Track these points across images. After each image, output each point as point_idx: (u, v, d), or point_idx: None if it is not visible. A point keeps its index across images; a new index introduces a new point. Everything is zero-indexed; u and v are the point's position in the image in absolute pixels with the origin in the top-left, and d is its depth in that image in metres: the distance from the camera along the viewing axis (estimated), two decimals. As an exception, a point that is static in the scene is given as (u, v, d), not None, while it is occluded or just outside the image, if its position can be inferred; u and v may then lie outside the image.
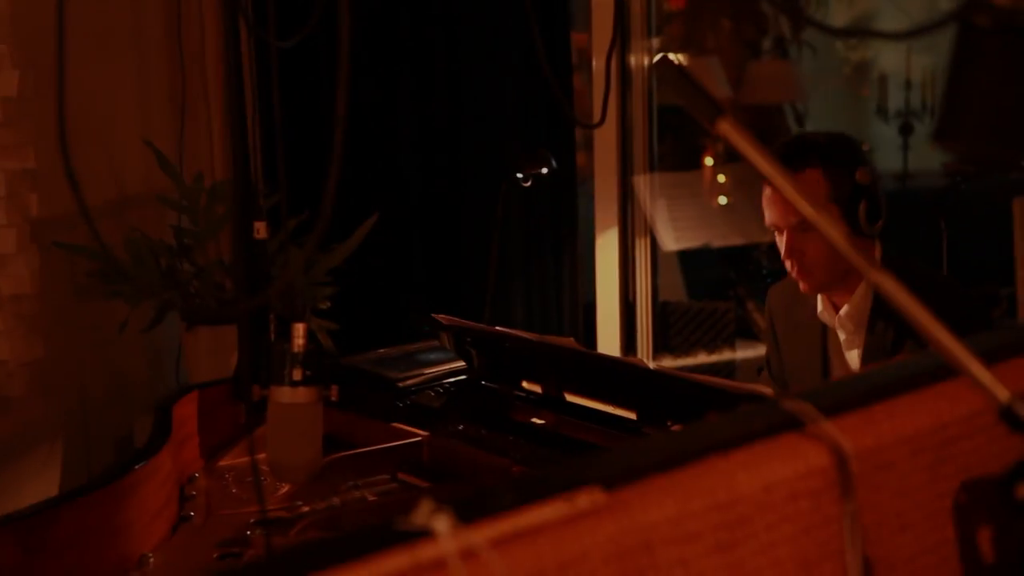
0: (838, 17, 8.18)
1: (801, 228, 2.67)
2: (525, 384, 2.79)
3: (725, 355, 4.66)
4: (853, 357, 2.78)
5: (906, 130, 7.71)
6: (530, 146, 3.68)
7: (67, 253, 3.13)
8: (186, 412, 2.79)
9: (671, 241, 4.37)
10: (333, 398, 2.01)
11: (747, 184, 5.15)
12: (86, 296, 3.27)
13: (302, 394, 1.99)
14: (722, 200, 5.05)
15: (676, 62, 1.26)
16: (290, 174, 3.59)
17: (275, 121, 2.80)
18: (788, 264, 2.74)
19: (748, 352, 4.68)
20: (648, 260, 4.25)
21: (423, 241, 4.06)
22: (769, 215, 2.73)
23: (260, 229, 2.50)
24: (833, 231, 1.33)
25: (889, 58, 8.29)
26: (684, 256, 4.95)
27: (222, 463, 2.80)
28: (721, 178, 5.48)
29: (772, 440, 1.24)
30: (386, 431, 2.77)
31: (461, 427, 2.74)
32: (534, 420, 2.75)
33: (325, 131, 3.92)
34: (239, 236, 2.70)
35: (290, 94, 3.81)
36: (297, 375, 1.97)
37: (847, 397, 1.32)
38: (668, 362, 4.48)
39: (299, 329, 1.97)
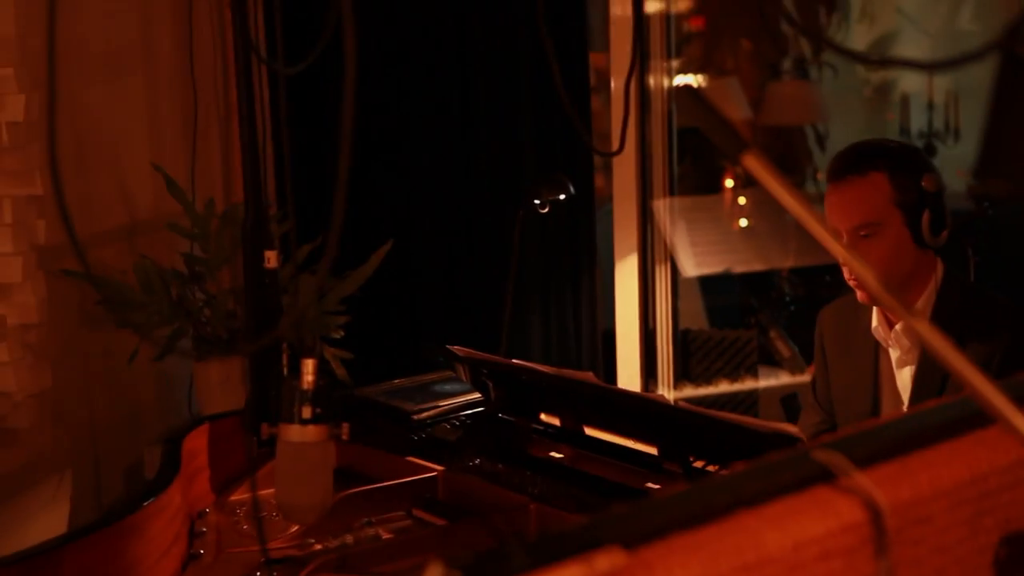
0: (859, 39, 8.10)
1: (861, 233, 2.60)
2: (543, 417, 2.72)
3: (747, 384, 4.58)
4: (905, 376, 2.70)
5: (929, 152, 7.61)
6: (547, 170, 3.63)
7: (76, 281, 3.08)
8: (197, 445, 2.72)
9: (691, 267, 4.30)
10: (344, 437, 1.95)
11: (768, 207, 5.09)
12: (95, 325, 3.22)
13: (312, 433, 1.92)
14: (743, 223, 4.98)
15: (699, 91, 1.19)
16: (303, 200, 3.57)
17: (285, 147, 2.76)
18: (846, 272, 2.66)
19: (771, 381, 4.60)
20: (668, 287, 4.18)
21: (438, 268, 4.00)
22: (829, 219, 2.66)
23: (271, 258, 2.44)
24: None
25: (911, 79, 8.20)
26: (704, 283, 4.87)
27: (233, 498, 2.73)
28: (742, 201, 5.42)
29: (802, 494, 1.17)
30: (400, 465, 2.71)
31: (477, 461, 2.67)
32: (552, 454, 2.69)
33: (337, 156, 3.87)
34: (250, 265, 2.65)
35: (302, 120, 3.76)
36: (307, 413, 1.90)
37: (881, 446, 1.25)
38: (689, 391, 4.40)
39: (309, 365, 1.91)
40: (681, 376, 4.41)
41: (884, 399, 2.74)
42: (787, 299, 4.71)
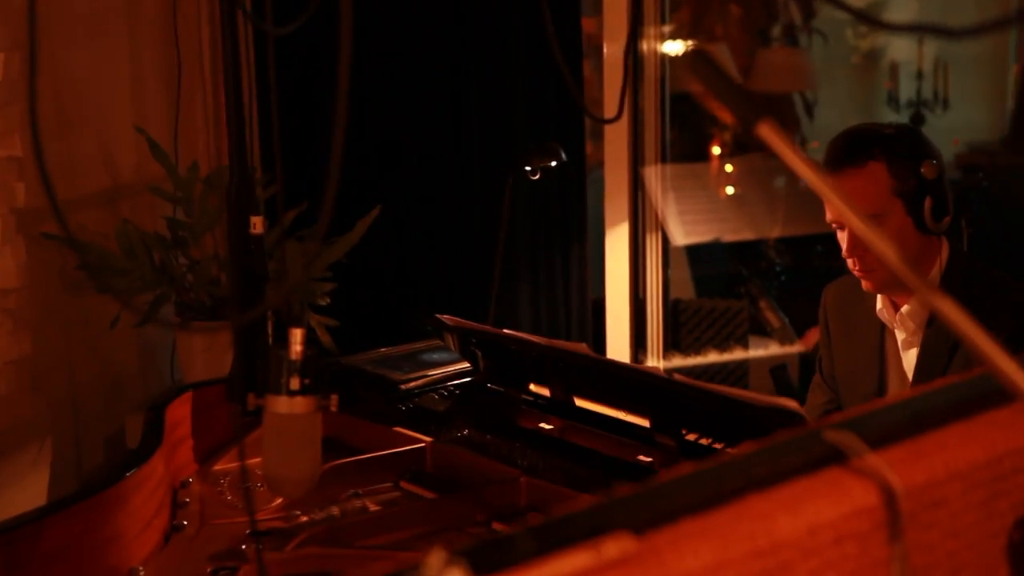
0: (852, 3, 7.97)
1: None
2: (532, 388, 2.68)
3: (737, 355, 4.54)
4: (910, 357, 2.66)
5: (917, 120, 7.57)
6: (538, 137, 3.57)
7: (56, 245, 3.01)
8: (180, 414, 2.67)
9: (680, 235, 4.25)
10: (332, 408, 1.89)
11: (756, 175, 5.04)
12: (75, 290, 3.16)
13: (300, 404, 1.86)
14: (730, 190, 4.93)
15: (711, 56, 1.14)
16: (289, 163, 3.50)
17: (272, 109, 2.68)
18: (850, 262, 2.61)
19: (760, 351, 4.56)
20: (659, 256, 4.13)
21: (426, 235, 3.94)
22: (830, 210, 2.60)
23: (257, 224, 2.38)
24: (886, 243, 1.21)
25: (900, 47, 8.15)
26: (690, 252, 4.81)
27: (217, 467, 2.68)
28: (729, 168, 5.37)
29: (814, 476, 1.13)
30: (388, 435, 2.66)
31: (465, 432, 2.63)
32: (541, 426, 2.64)
33: (324, 120, 3.81)
34: (234, 230, 2.59)
35: (288, 82, 3.69)
36: (295, 384, 1.85)
37: (894, 426, 1.21)
38: (678, 361, 4.35)
39: (297, 335, 1.85)
40: (671, 346, 4.37)
41: (890, 380, 2.70)
42: (777, 269, 4.66)
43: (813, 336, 4.51)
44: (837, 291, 2.87)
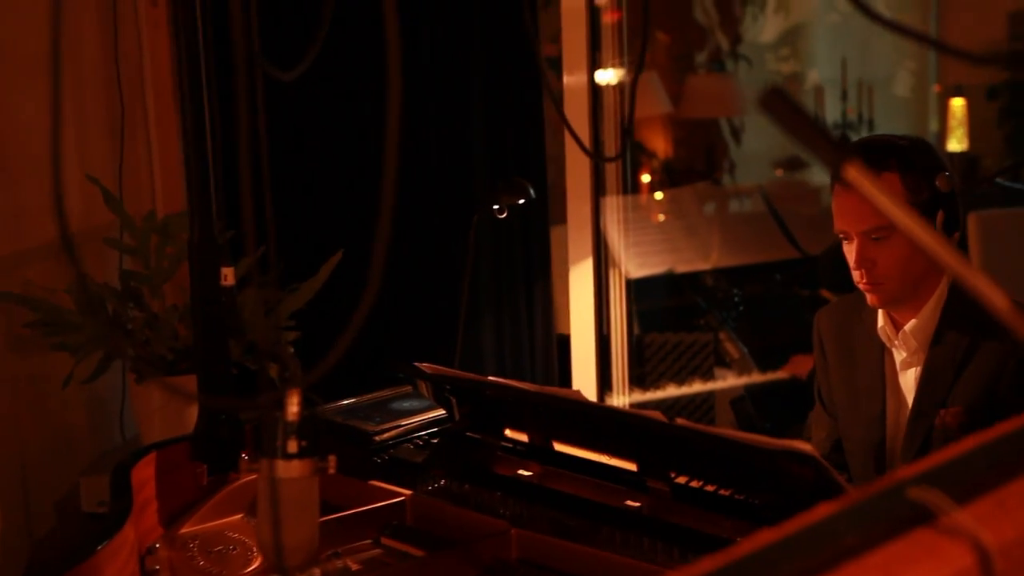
0: (770, 31, 8.07)
1: (873, 236, 2.49)
2: (508, 433, 2.59)
3: (695, 387, 4.47)
4: (909, 378, 2.61)
5: (843, 142, 7.61)
6: (498, 176, 3.50)
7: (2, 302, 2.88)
8: (144, 475, 2.54)
9: (633, 268, 4.19)
10: (331, 471, 1.79)
11: (687, 205, 5.00)
12: (22, 348, 3.02)
13: (297, 468, 1.76)
14: (661, 218, 4.88)
15: (787, 95, 1.07)
16: (232, 205, 3.39)
17: (214, 149, 2.59)
18: (857, 274, 2.55)
19: (719, 384, 4.50)
20: (622, 291, 4.06)
21: (389, 278, 3.82)
22: (838, 221, 2.54)
23: (228, 275, 2.28)
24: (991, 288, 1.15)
25: (823, 69, 8.21)
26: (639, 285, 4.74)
27: (184, 531, 2.55)
28: (658, 196, 5.34)
29: (903, 539, 1.06)
30: (364, 490, 2.55)
31: (442, 483, 2.54)
32: (520, 472, 2.56)
33: (275, 163, 3.70)
34: (198, 282, 2.48)
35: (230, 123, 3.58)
36: (293, 447, 1.74)
37: (975, 476, 1.15)
38: (638, 396, 4.28)
39: (294, 395, 1.75)
40: (636, 381, 4.30)
41: (888, 402, 2.65)
42: (736, 299, 4.62)
43: (800, 362, 4.47)
44: (831, 316, 2.81)
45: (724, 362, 4.48)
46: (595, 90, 3.64)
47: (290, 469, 1.78)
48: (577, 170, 3.76)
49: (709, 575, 1.01)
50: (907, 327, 2.58)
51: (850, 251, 2.55)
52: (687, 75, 7.39)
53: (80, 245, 3.25)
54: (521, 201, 2.94)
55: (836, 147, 1.03)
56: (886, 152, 2.51)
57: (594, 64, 3.72)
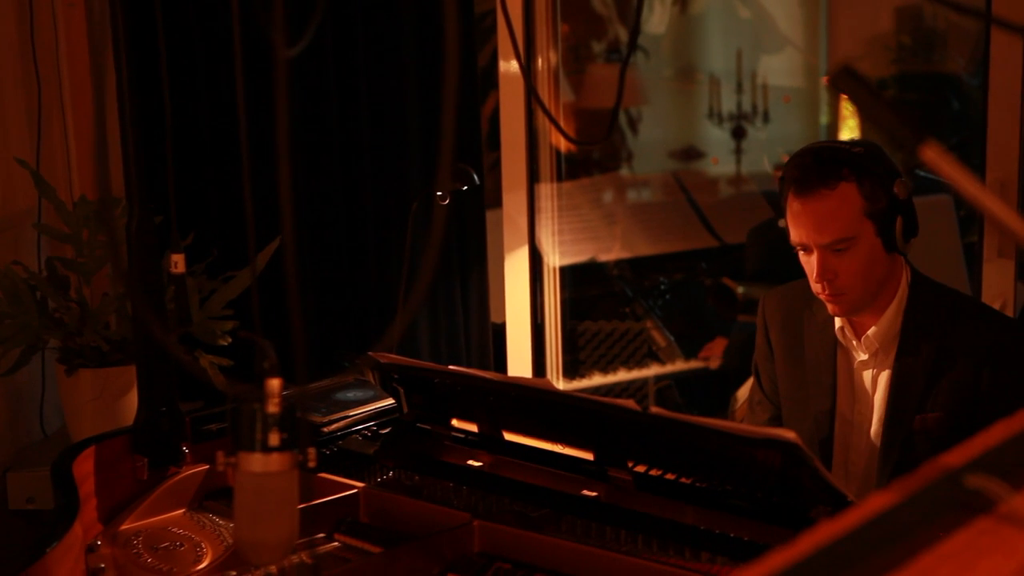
0: (666, 22, 8.09)
1: (835, 248, 2.46)
2: (456, 423, 2.54)
3: (620, 376, 4.46)
4: (866, 378, 2.59)
5: (739, 133, 7.67)
6: (432, 162, 3.44)
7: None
8: (84, 470, 2.44)
9: (555, 256, 4.15)
10: (311, 464, 1.73)
11: (588, 195, 4.99)
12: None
13: (277, 462, 1.70)
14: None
15: (858, 74, 1.04)
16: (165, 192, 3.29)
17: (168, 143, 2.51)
18: (818, 287, 2.52)
19: (645, 372, 4.49)
20: (557, 279, 4.03)
21: (324, 266, 3.75)
22: (796, 233, 2.50)
23: (178, 262, 2.20)
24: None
25: (717, 61, 8.25)
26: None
27: (125, 527, 2.46)
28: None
29: (966, 528, 1.05)
30: (312, 483, 2.48)
31: (392, 475, 2.49)
32: (470, 462, 2.51)
33: (203, 145, 3.61)
34: (137, 269, 2.39)
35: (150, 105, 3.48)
36: (275, 440, 1.68)
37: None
38: (563, 385, 4.25)
39: (275, 386, 1.69)
40: (571, 370, 4.27)
41: (840, 399, 2.63)
42: (663, 288, 4.61)
43: (712, 348, 4.48)
44: (780, 300, 2.76)
45: (651, 351, 4.47)
46: (530, 76, 3.60)
47: (269, 463, 1.72)
48: (512, 157, 3.71)
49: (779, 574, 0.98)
50: (869, 332, 2.56)
51: (809, 263, 2.51)
52: (586, 65, 7.37)
53: (1, 231, 3.13)
54: (465, 188, 2.89)
55: (912, 126, 1.00)
56: (841, 161, 2.47)
57: (529, 51, 3.68)
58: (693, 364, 4.50)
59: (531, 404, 2.36)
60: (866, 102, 1.05)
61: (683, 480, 2.20)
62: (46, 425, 3.30)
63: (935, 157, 1.02)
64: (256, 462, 1.71)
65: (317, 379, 2.75)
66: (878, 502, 1.09)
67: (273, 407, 1.70)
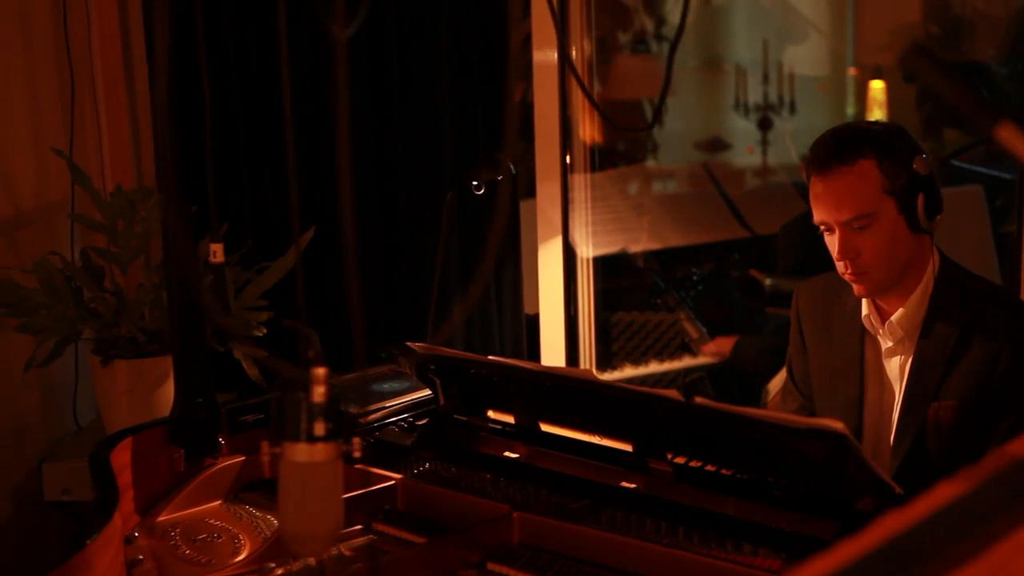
0: (692, 12, 8.01)
1: (855, 225, 2.45)
2: (492, 415, 2.53)
3: (652, 368, 4.43)
4: (893, 366, 2.58)
5: (765, 125, 7.63)
6: (467, 153, 3.42)
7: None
8: (121, 461, 2.43)
9: (587, 247, 4.13)
10: (356, 454, 1.71)
11: (617, 187, 4.95)
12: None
13: (321, 451, 1.69)
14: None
15: (932, 54, 1.02)
16: (200, 183, 3.28)
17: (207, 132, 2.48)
18: (842, 266, 2.51)
19: (677, 364, 4.46)
20: (590, 270, 4.00)
21: (358, 257, 3.72)
22: (818, 212, 2.49)
23: (217, 252, 2.19)
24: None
25: (743, 52, 8.21)
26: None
27: (161, 519, 2.45)
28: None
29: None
30: (351, 474, 2.47)
31: (429, 466, 2.47)
32: (506, 454, 2.50)
33: (237, 137, 3.60)
34: (173, 259, 2.38)
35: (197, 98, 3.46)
36: (320, 429, 1.67)
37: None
38: (608, 376, 4.23)
39: (320, 375, 1.68)
40: (604, 362, 4.25)
41: (869, 388, 2.62)
42: (694, 278, 4.58)
43: (722, 343, 4.45)
44: (812, 292, 2.76)
45: (683, 342, 4.44)
46: (566, 66, 3.56)
47: (314, 453, 1.70)
48: (546, 148, 3.68)
49: (855, 564, 0.96)
50: (893, 318, 2.55)
51: (832, 243, 2.51)
52: (612, 56, 7.35)
53: (34, 222, 3.13)
54: (500, 177, 2.87)
55: (987, 106, 0.98)
56: (859, 138, 2.47)
57: (565, 40, 3.65)
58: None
59: (571, 394, 2.35)
60: (938, 81, 1.03)
61: (724, 471, 2.18)
62: (80, 417, 3.30)
63: (1010, 136, 1.00)
64: (301, 452, 1.69)
65: (354, 369, 2.74)
66: (947, 491, 1.07)
67: (319, 396, 1.69)
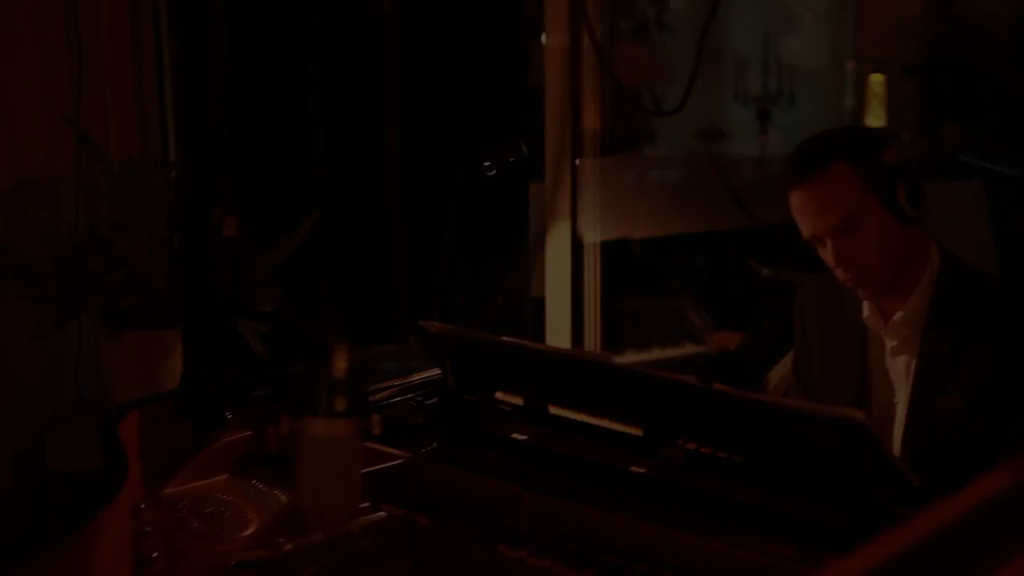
0: (693, 1, 8.04)
1: (843, 229, 2.45)
2: (500, 395, 2.52)
3: (654, 354, 4.43)
4: (898, 365, 2.58)
5: (764, 115, 7.63)
6: (478, 134, 3.40)
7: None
8: (128, 433, 2.42)
9: (591, 233, 4.12)
10: (375, 431, 1.71)
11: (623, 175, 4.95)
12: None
13: (340, 427, 1.68)
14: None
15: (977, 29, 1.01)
16: (208, 156, 3.26)
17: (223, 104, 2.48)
18: (840, 274, 2.51)
19: (684, 350, 4.46)
20: (597, 254, 3.99)
21: (363, 237, 3.72)
22: (805, 226, 2.50)
23: (232, 225, 2.17)
24: None
25: (744, 42, 8.20)
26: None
27: (168, 491, 2.44)
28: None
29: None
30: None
31: (437, 445, 2.46)
32: (515, 435, 2.49)
33: (248, 110, 3.58)
34: (187, 230, 2.37)
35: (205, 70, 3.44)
36: (341, 405, 1.66)
37: None
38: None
39: (342, 351, 1.67)
40: (609, 346, 4.25)
41: (874, 387, 2.62)
42: (698, 265, 4.58)
43: (726, 337, 4.45)
44: (815, 290, 2.76)
45: (686, 329, 4.44)
46: (577, 50, 3.55)
47: (333, 428, 1.70)
48: (556, 132, 3.67)
49: (900, 557, 0.95)
50: (896, 317, 2.55)
51: (826, 254, 2.52)
52: (613, 43, 7.32)
53: (39, 192, 3.10)
54: (512, 159, 2.86)
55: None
56: (827, 145, 2.49)
57: (578, 23, 3.63)
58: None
59: (584, 377, 2.34)
60: (988, 57, 1.02)
61: (736, 458, 2.18)
62: (82, 387, 3.28)
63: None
64: (321, 427, 1.69)
65: (365, 348, 2.72)
66: (992, 484, 1.07)
67: (339, 372, 1.68)
